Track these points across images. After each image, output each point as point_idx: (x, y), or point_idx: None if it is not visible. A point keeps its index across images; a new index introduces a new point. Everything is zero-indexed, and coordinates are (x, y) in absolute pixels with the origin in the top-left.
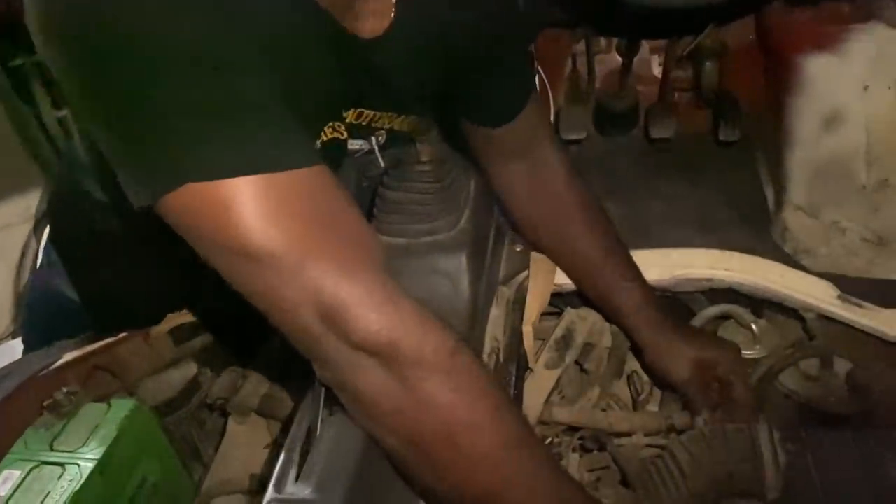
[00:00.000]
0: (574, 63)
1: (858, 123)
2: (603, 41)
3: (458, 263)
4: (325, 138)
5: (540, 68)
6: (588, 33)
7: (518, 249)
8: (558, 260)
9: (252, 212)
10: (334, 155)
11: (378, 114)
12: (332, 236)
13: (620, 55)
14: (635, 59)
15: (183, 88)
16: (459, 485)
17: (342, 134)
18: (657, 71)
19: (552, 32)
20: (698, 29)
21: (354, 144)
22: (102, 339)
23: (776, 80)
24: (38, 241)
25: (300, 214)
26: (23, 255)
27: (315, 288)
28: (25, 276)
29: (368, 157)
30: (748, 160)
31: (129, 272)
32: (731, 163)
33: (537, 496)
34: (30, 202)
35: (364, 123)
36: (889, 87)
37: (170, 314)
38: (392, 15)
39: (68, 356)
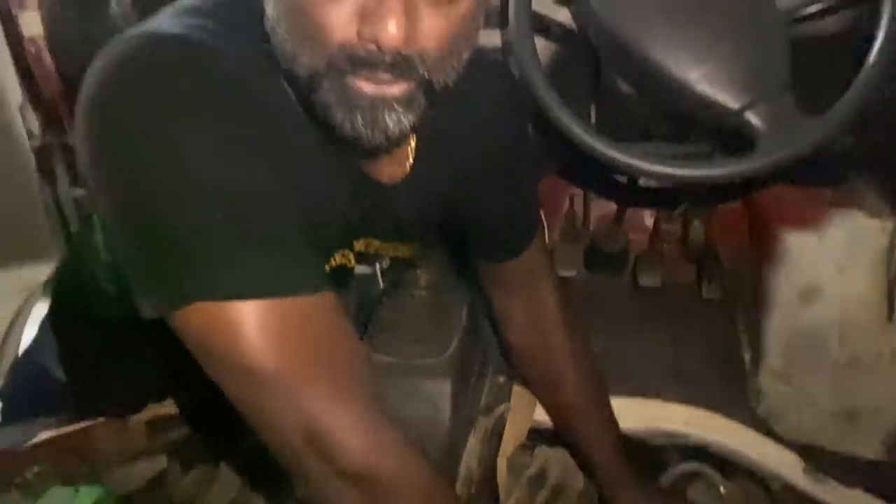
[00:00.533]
0: (571, 203)
1: (834, 300)
2: None
3: (442, 389)
4: (333, 264)
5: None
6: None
7: (501, 381)
8: (541, 396)
9: (255, 333)
10: (341, 279)
11: (385, 244)
12: (328, 362)
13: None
14: (628, 209)
15: (205, 213)
16: None
17: (350, 261)
18: (648, 221)
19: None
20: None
21: (360, 269)
22: (81, 421)
23: (758, 248)
24: (28, 313)
25: (300, 339)
26: (11, 325)
27: (306, 411)
28: (11, 345)
29: (371, 278)
30: (729, 318)
31: (120, 359)
32: (712, 318)
33: None
34: (25, 274)
35: (371, 252)
36: (863, 270)
37: (151, 404)
38: (409, 162)
39: (44, 435)
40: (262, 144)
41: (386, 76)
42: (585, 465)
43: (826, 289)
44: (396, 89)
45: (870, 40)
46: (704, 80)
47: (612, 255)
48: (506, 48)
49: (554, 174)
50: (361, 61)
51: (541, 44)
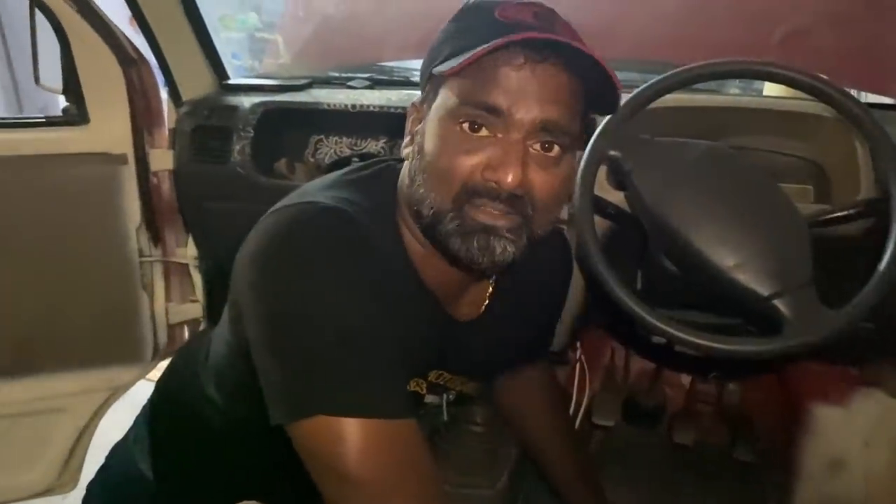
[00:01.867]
0: (612, 356)
1: (859, 474)
2: None
3: None
4: (416, 388)
5: (582, 356)
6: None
7: None
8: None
9: (358, 446)
10: (412, 406)
11: (454, 377)
12: (412, 479)
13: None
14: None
15: (333, 343)
16: None
17: (422, 389)
18: (685, 380)
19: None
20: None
21: (430, 399)
22: None
23: (789, 417)
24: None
25: (393, 455)
26: (93, 417)
27: None
28: (86, 437)
29: (436, 409)
30: (759, 481)
31: (214, 463)
32: (742, 480)
33: None
34: (112, 374)
35: (441, 383)
36: (888, 447)
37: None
38: (484, 305)
39: None
40: (379, 292)
41: (499, 207)
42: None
43: (852, 463)
44: (506, 222)
45: (884, 243)
46: (738, 269)
47: (649, 409)
48: (569, 220)
49: (599, 328)
50: (481, 193)
51: (598, 219)
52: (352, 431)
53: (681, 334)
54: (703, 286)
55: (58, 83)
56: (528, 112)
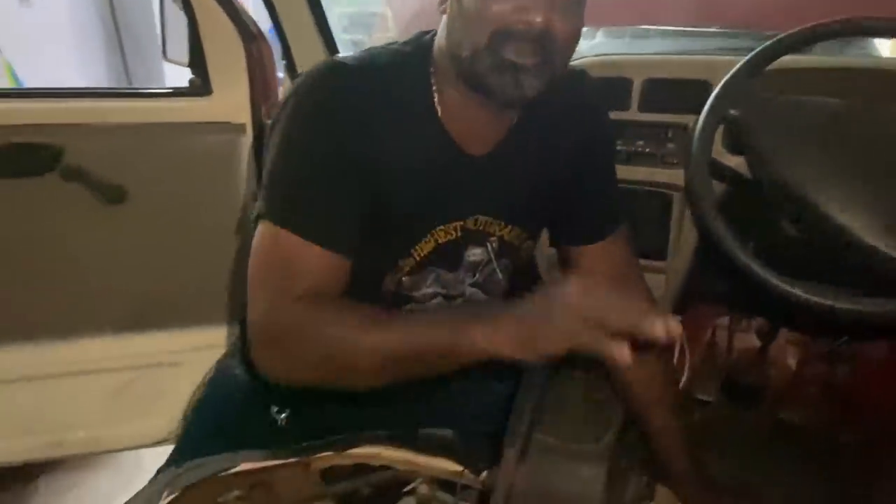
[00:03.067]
0: (714, 334)
1: None
2: (743, 321)
3: (597, 475)
4: (440, 241)
5: (683, 332)
6: (731, 313)
7: (645, 480)
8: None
9: (271, 248)
10: (452, 254)
11: (490, 220)
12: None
13: (759, 338)
14: (772, 346)
15: (297, 169)
16: None
17: (455, 235)
18: (791, 360)
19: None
20: (840, 332)
21: (474, 255)
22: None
23: None
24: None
25: (286, 262)
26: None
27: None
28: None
29: (489, 270)
30: (867, 466)
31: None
32: (850, 465)
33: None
34: (226, 332)
35: (479, 229)
36: None
37: (329, 454)
38: (501, 141)
39: (242, 466)
40: (378, 120)
41: (528, 48)
42: (655, 459)
43: None
44: (534, 59)
45: None
46: (868, 230)
47: (751, 387)
48: (686, 183)
49: (703, 302)
50: (513, 35)
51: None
52: (278, 237)
53: (816, 297)
54: (828, 251)
55: (183, 57)
56: None
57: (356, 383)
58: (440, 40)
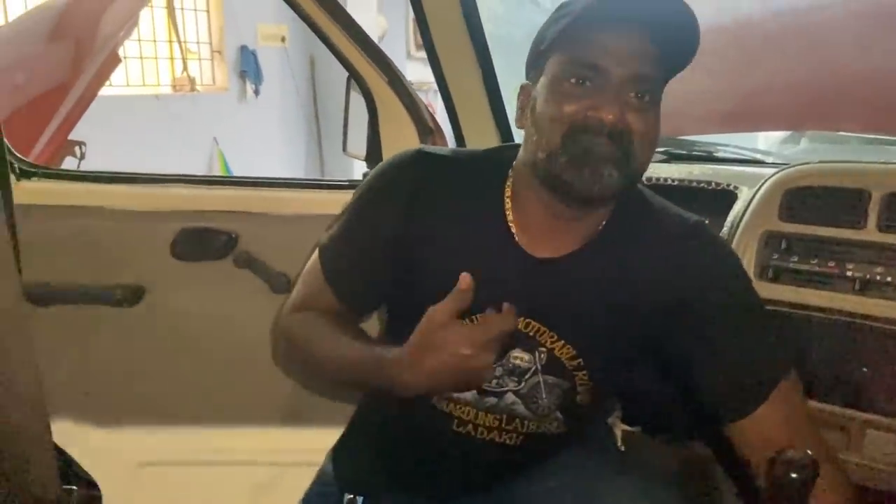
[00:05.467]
0: None
1: None
2: None
3: None
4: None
5: None
6: None
7: None
8: None
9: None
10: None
11: (541, 328)
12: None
13: None
14: None
15: (343, 222)
16: None
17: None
18: None
19: None
20: None
21: (520, 360)
22: None
23: None
24: None
25: (315, 283)
26: None
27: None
28: None
29: (534, 382)
30: None
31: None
32: None
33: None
34: None
35: (530, 334)
36: None
37: None
38: (576, 249)
39: None
40: (400, 209)
41: (603, 139)
42: None
43: None
44: (611, 150)
45: None
46: None
47: None
48: None
49: None
50: (586, 129)
51: None
52: (316, 272)
53: None
54: None
55: (362, 151)
56: (623, 68)
57: (331, 381)
58: (520, 154)
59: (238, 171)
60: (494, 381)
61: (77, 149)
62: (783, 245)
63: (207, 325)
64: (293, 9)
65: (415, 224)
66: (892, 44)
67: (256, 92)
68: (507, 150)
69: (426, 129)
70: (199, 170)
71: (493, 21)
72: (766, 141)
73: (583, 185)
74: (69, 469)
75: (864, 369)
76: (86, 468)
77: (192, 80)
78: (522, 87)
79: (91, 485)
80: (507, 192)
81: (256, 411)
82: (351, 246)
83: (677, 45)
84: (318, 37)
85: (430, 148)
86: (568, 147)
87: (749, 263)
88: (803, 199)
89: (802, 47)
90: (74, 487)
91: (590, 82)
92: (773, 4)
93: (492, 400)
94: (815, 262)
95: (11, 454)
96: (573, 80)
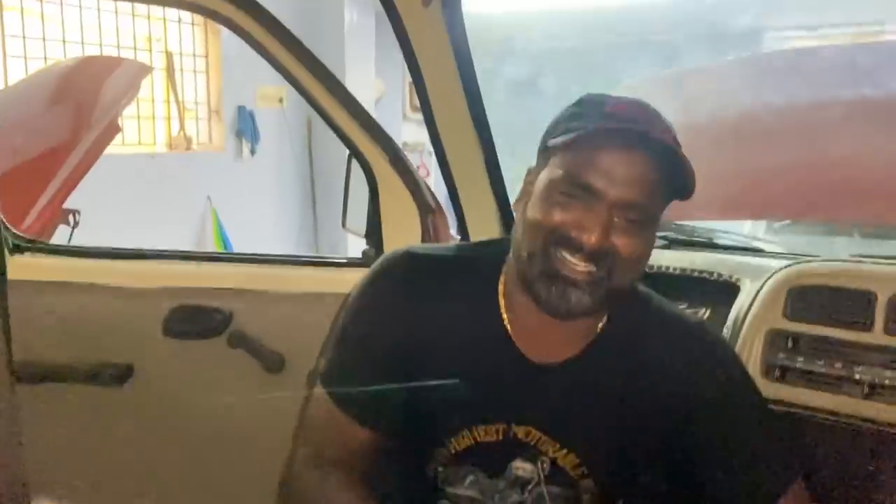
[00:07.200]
0: None
1: None
2: None
3: None
4: (479, 439)
5: None
6: None
7: None
8: None
9: (318, 410)
10: (493, 460)
11: (542, 437)
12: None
13: None
14: None
15: (339, 345)
16: None
17: (497, 437)
18: None
19: None
20: None
21: (522, 470)
22: None
23: None
24: None
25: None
26: None
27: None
28: None
29: (538, 493)
30: None
31: None
32: None
33: None
34: None
35: (531, 443)
36: None
37: None
38: (576, 354)
39: None
40: (397, 317)
41: (581, 260)
42: None
43: None
44: (585, 276)
45: None
46: None
47: None
48: None
49: None
50: (566, 242)
51: None
52: (322, 400)
53: None
54: None
55: (361, 227)
56: (616, 192)
57: None
58: (513, 243)
59: (231, 229)
60: (497, 495)
61: (71, 217)
62: (789, 344)
63: (198, 406)
64: (293, 86)
65: (412, 333)
66: (893, 138)
67: (252, 151)
68: (497, 244)
69: (427, 208)
70: (191, 227)
71: (494, 109)
72: (767, 227)
73: (550, 302)
74: None
75: (871, 473)
76: None
77: (188, 140)
78: (529, 171)
79: None
80: (501, 290)
81: (248, 500)
82: (355, 367)
83: (682, 178)
84: (319, 114)
85: (418, 249)
86: (543, 259)
87: (755, 362)
88: (809, 299)
89: (803, 141)
90: None
91: (580, 200)
92: (772, 102)
93: None
94: (822, 363)
95: None
96: (565, 196)
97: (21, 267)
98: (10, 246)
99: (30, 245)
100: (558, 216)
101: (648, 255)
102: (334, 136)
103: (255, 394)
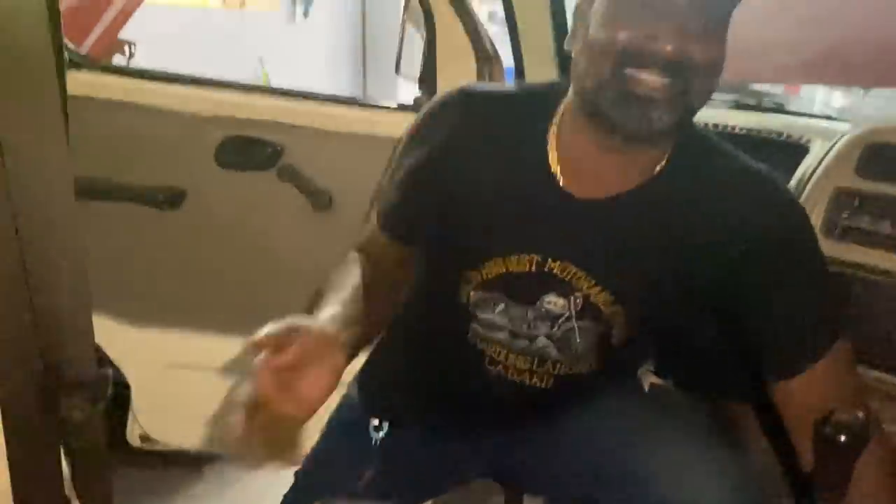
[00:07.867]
0: None
1: None
2: None
3: None
4: (511, 268)
5: None
6: None
7: None
8: None
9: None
10: (524, 290)
11: (580, 273)
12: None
13: None
14: None
15: (402, 171)
16: None
17: (529, 268)
18: None
19: None
20: None
21: (553, 305)
22: None
23: None
24: None
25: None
26: None
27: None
28: None
29: (567, 327)
30: None
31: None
32: None
33: None
34: None
35: (566, 279)
36: None
37: None
38: (622, 192)
39: None
40: (444, 146)
41: (656, 75)
42: None
43: None
44: (664, 92)
45: None
46: None
47: None
48: None
49: None
50: (639, 58)
51: None
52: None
53: None
54: None
55: (415, 74)
56: None
57: None
58: (573, 79)
59: None
60: (525, 325)
61: (127, 47)
62: (856, 203)
63: (246, 235)
64: None
65: (452, 166)
66: None
67: (306, 13)
68: (555, 85)
69: (485, 56)
70: None
71: None
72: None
73: (630, 124)
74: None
75: None
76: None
77: None
78: (577, 6)
79: (121, 378)
80: (553, 130)
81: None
82: (397, 190)
83: None
84: None
85: (473, 87)
86: (616, 82)
87: (816, 220)
88: (885, 154)
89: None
90: (110, 372)
91: (648, 9)
92: None
93: (523, 342)
94: (889, 223)
95: (51, 333)
96: (629, 7)
97: (79, 84)
98: (69, 62)
99: (88, 63)
100: (625, 33)
101: (722, 63)
102: (390, 4)
103: (302, 228)
